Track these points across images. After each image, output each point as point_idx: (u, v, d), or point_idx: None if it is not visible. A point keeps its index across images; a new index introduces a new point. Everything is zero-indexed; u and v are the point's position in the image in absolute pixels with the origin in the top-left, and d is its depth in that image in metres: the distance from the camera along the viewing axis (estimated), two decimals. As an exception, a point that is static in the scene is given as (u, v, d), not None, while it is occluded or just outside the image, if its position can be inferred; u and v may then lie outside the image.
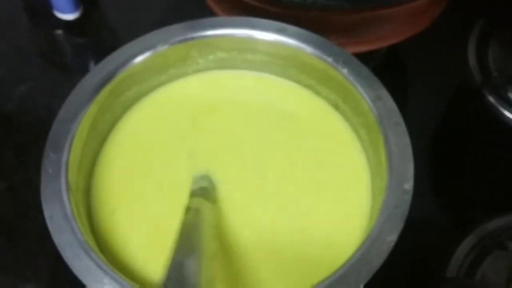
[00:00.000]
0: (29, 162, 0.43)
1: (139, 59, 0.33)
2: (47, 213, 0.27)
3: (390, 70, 0.51)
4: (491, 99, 0.46)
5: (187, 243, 0.24)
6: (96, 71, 0.32)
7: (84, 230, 0.27)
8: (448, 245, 0.40)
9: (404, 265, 0.39)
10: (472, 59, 0.48)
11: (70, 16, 0.52)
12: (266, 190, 0.32)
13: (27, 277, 0.38)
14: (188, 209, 0.28)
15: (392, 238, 0.27)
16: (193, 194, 0.30)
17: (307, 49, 0.33)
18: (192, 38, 0.34)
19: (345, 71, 0.32)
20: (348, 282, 0.25)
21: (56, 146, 0.29)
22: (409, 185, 0.28)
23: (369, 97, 0.31)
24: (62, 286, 0.38)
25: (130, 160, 0.33)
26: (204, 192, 0.31)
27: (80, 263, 0.26)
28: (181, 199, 0.31)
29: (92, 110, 0.31)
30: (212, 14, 0.42)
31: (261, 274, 0.29)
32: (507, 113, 0.46)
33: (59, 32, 0.53)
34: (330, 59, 0.33)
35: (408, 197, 0.28)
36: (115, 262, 0.29)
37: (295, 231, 0.31)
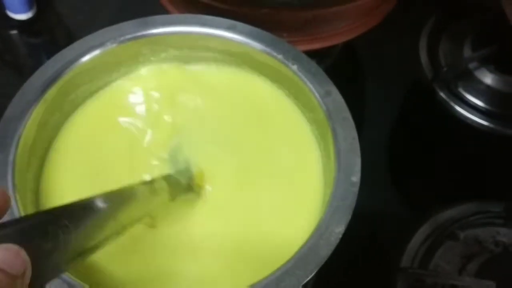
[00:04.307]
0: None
1: (87, 57, 0.33)
2: (-8, 214, 0.26)
3: (345, 68, 0.52)
4: (442, 94, 0.48)
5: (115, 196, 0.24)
6: (44, 69, 0.32)
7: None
8: (403, 236, 0.41)
9: (359, 256, 0.40)
10: (423, 55, 0.50)
11: (23, 16, 0.51)
12: (219, 179, 0.33)
13: None
14: (149, 182, 0.29)
15: (339, 229, 0.27)
16: (167, 178, 0.31)
17: (257, 46, 0.33)
18: (143, 36, 0.34)
19: (295, 67, 0.33)
20: (297, 274, 0.26)
21: (2, 145, 0.29)
22: (356, 178, 0.29)
23: (318, 93, 0.32)
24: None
25: (79, 158, 0.33)
26: (174, 185, 0.31)
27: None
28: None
29: (40, 109, 0.31)
30: (167, 13, 0.42)
31: (211, 268, 0.29)
32: (457, 108, 0.47)
33: (12, 32, 0.51)
34: (280, 56, 0.33)
35: (355, 189, 0.28)
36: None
37: (248, 225, 0.31)
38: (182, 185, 0.32)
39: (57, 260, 0.18)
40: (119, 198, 0.25)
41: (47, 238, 0.17)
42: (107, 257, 0.28)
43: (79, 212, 0.21)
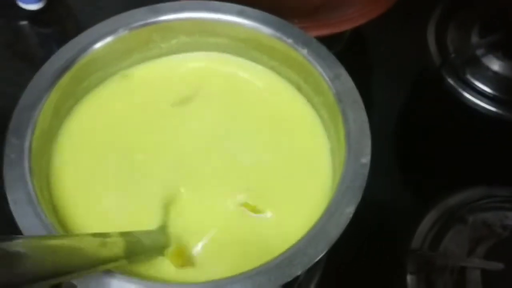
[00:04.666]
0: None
1: (100, 44, 0.33)
2: (10, 197, 0.27)
3: (353, 55, 0.52)
4: (450, 81, 0.48)
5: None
6: (57, 57, 0.32)
7: (49, 213, 0.27)
8: (412, 220, 0.41)
9: (369, 240, 0.41)
10: (431, 42, 0.50)
11: (34, 6, 0.52)
12: (228, 167, 0.33)
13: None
14: (100, 234, 0.26)
15: (350, 209, 0.27)
16: (125, 234, 0.27)
17: (267, 30, 0.34)
18: (154, 23, 0.34)
19: (304, 51, 0.33)
20: (308, 253, 0.26)
21: (18, 132, 0.29)
22: (366, 159, 0.29)
23: (328, 76, 0.32)
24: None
25: (88, 143, 0.33)
26: (134, 244, 0.27)
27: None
28: (140, 179, 0.32)
29: (54, 96, 0.31)
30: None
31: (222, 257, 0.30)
32: (465, 94, 0.47)
33: (23, 22, 0.52)
34: (290, 40, 0.33)
35: (365, 171, 0.29)
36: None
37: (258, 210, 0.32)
38: (145, 247, 0.28)
39: None
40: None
41: None
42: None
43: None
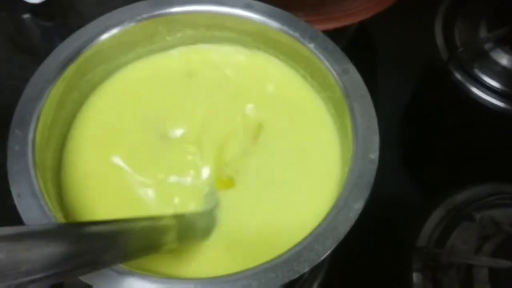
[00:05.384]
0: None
1: (105, 36, 0.33)
2: (14, 190, 0.27)
3: (359, 49, 0.51)
4: (458, 75, 0.47)
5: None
6: (62, 48, 0.32)
7: (53, 206, 0.27)
8: (418, 217, 0.41)
9: (375, 236, 0.40)
10: (439, 36, 0.49)
11: (36, 0, 0.51)
12: (237, 161, 0.33)
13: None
14: (155, 218, 0.27)
15: (358, 205, 0.27)
16: (178, 217, 0.28)
17: (274, 24, 0.33)
18: (159, 15, 0.34)
19: (311, 46, 0.33)
20: (316, 249, 0.26)
21: (22, 124, 0.29)
22: (374, 155, 0.29)
23: (336, 71, 0.32)
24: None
25: (100, 137, 0.33)
26: (186, 227, 0.28)
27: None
28: (148, 176, 0.32)
29: (58, 88, 0.31)
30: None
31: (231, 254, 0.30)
32: (473, 89, 0.47)
33: (25, 15, 0.52)
34: (296, 34, 0.33)
35: (374, 167, 0.28)
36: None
37: (267, 207, 0.31)
38: (197, 229, 0.29)
39: None
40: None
41: None
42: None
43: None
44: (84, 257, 0.20)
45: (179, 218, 0.28)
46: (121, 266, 0.25)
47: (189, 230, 0.28)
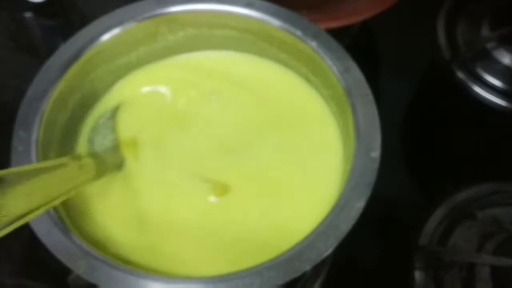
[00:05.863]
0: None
1: (106, 36, 0.33)
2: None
3: (362, 49, 0.51)
4: (460, 74, 0.47)
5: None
6: (64, 49, 0.32)
7: (57, 206, 0.27)
8: (420, 216, 0.41)
9: (378, 235, 0.40)
10: (441, 35, 0.49)
11: (38, -1, 0.52)
12: (239, 161, 0.33)
13: (1, 259, 0.38)
14: (76, 156, 0.28)
15: (360, 204, 0.27)
16: (93, 155, 0.30)
17: (276, 22, 0.33)
18: (161, 14, 0.34)
19: (314, 44, 0.33)
20: (318, 247, 0.26)
21: (25, 125, 0.29)
22: (376, 154, 0.29)
23: (338, 69, 0.32)
24: (37, 265, 0.38)
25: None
26: (100, 162, 0.30)
27: (53, 239, 0.26)
28: (156, 178, 0.32)
29: (60, 88, 0.31)
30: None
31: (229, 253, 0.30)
32: (475, 88, 0.47)
33: (27, 14, 0.52)
34: (299, 33, 0.33)
35: (375, 165, 0.28)
36: (88, 238, 0.29)
37: (268, 206, 0.31)
38: (108, 162, 0.31)
39: None
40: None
41: None
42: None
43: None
44: None
45: (94, 156, 0.30)
46: (125, 265, 0.25)
47: (103, 166, 0.30)
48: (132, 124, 0.34)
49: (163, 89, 0.36)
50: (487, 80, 0.47)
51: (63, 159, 0.27)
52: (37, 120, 0.29)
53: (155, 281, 0.25)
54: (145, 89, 0.36)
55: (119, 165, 0.32)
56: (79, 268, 0.25)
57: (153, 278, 0.25)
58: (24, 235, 0.37)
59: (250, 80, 0.36)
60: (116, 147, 0.33)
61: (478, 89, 0.47)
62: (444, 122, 0.49)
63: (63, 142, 0.32)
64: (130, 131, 0.34)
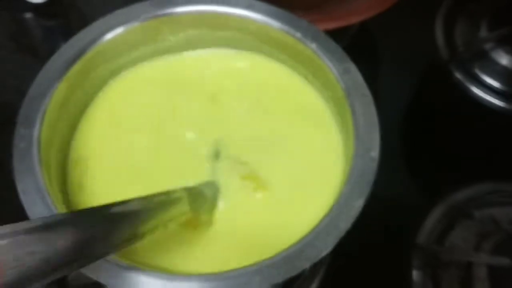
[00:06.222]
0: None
1: (109, 36, 0.33)
2: (20, 187, 0.27)
3: (361, 49, 0.51)
4: (459, 75, 0.47)
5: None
6: (66, 48, 0.32)
7: (57, 203, 0.27)
8: (418, 215, 0.41)
9: (377, 234, 0.41)
10: (439, 36, 0.49)
11: (39, -1, 0.52)
12: (240, 159, 0.33)
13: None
14: (169, 192, 0.27)
15: (359, 203, 0.27)
16: (188, 189, 0.29)
17: (276, 24, 0.33)
18: (163, 15, 0.34)
19: (313, 45, 0.33)
20: (317, 246, 0.26)
21: (27, 122, 0.29)
22: (375, 153, 0.29)
23: (337, 70, 0.32)
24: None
25: (105, 137, 0.33)
26: (196, 196, 0.30)
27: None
28: (154, 176, 0.32)
29: (62, 87, 0.31)
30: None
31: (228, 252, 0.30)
32: (473, 89, 0.47)
33: (28, 15, 0.52)
34: (298, 34, 0.33)
35: (374, 164, 0.29)
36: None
37: (267, 205, 0.32)
38: (206, 197, 0.30)
39: None
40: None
41: None
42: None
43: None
44: (101, 242, 0.20)
45: (189, 189, 0.29)
46: (127, 262, 0.25)
47: (199, 199, 0.30)
48: (132, 123, 0.34)
49: (163, 88, 0.36)
50: (484, 81, 0.47)
51: (151, 195, 0.26)
52: (39, 118, 0.30)
53: (155, 278, 0.25)
54: (145, 88, 0.36)
55: (215, 200, 0.31)
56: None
57: (154, 274, 0.25)
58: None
59: (250, 80, 0.36)
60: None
61: (476, 90, 0.47)
62: (443, 122, 0.49)
63: (64, 140, 0.33)
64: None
